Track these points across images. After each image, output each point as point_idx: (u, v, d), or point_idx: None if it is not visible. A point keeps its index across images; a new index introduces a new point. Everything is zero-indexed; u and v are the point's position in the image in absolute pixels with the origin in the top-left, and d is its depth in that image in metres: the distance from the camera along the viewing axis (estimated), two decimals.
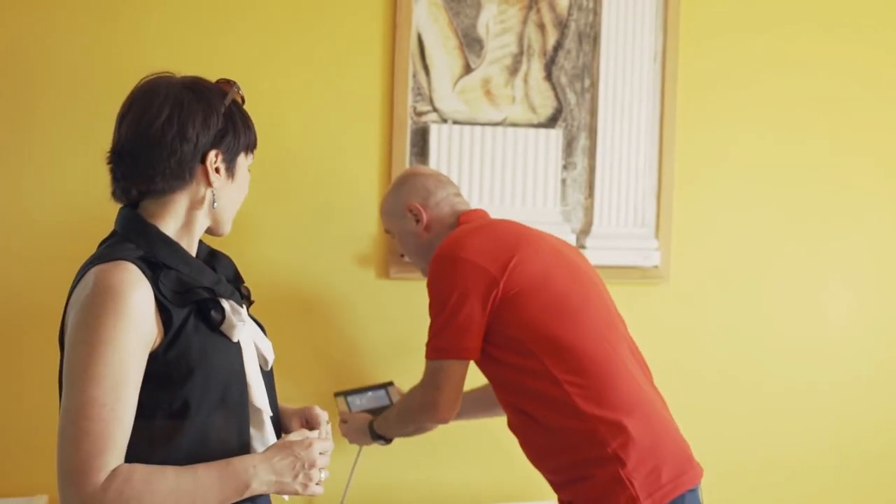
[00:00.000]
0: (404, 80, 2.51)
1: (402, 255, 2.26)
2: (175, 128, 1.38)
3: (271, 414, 1.45)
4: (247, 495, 1.32)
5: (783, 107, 2.79)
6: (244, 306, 1.48)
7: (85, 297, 1.29)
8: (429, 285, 2.05)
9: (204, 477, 1.29)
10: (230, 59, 2.40)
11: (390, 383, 2.46)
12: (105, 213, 2.34)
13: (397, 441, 2.59)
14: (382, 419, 2.22)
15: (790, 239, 2.82)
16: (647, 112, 2.67)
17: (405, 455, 2.58)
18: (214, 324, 1.36)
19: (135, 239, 1.37)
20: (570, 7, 2.61)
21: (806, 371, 2.85)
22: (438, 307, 2.01)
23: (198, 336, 1.34)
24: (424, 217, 2.18)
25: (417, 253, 2.23)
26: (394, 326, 2.55)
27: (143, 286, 1.30)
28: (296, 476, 1.34)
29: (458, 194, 2.24)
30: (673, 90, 2.68)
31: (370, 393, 2.41)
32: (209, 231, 1.49)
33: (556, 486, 2.05)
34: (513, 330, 1.95)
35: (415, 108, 2.53)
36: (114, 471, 1.24)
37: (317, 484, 1.36)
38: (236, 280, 1.53)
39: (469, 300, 1.95)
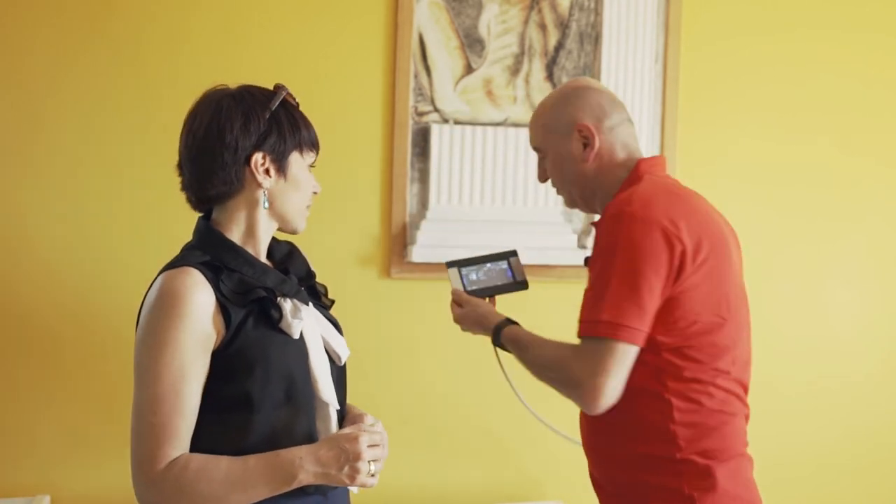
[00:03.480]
0: (406, 80, 2.51)
1: (543, 180, 1.87)
2: (214, 135, 1.45)
3: (338, 408, 1.51)
4: (294, 486, 1.38)
5: (784, 108, 2.79)
6: (310, 304, 1.54)
7: (151, 302, 1.39)
8: (613, 243, 1.65)
9: (253, 467, 1.36)
10: (231, 60, 2.40)
11: (513, 253, 2.05)
12: (117, 215, 2.36)
13: (396, 441, 2.58)
14: (517, 343, 1.80)
15: (792, 239, 2.83)
16: (649, 113, 2.67)
17: (405, 455, 2.58)
18: (274, 321, 1.43)
19: (203, 246, 1.47)
20: (572, 7, 2.61)
21: (808, 371, 2.85)
22: (623, 274, 1.62)
23: (257, 333, 1.41)
24: (596, 143, 1.76)
25: (574, 182, 1.81)
26: (395, 326, 2.55)
27: (204, 289, 1.38)
28: (341, 468, 1.38)
29: (631, 122, 1.85)
30: (674, 91, 2.68)
31: (489, 265, 2.01)
32: (282, 229, 1.55)
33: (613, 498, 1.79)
34: (655, 332, 1.66)
35: (416, 109, 2.53)
36: (174, 460, 1.35)
37: (371, 476, 1.41)
38: (308, 278, 1.60)
39: (660, 281, 1.61)
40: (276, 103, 1.48)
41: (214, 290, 1.39)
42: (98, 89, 2.36)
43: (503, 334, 1.83)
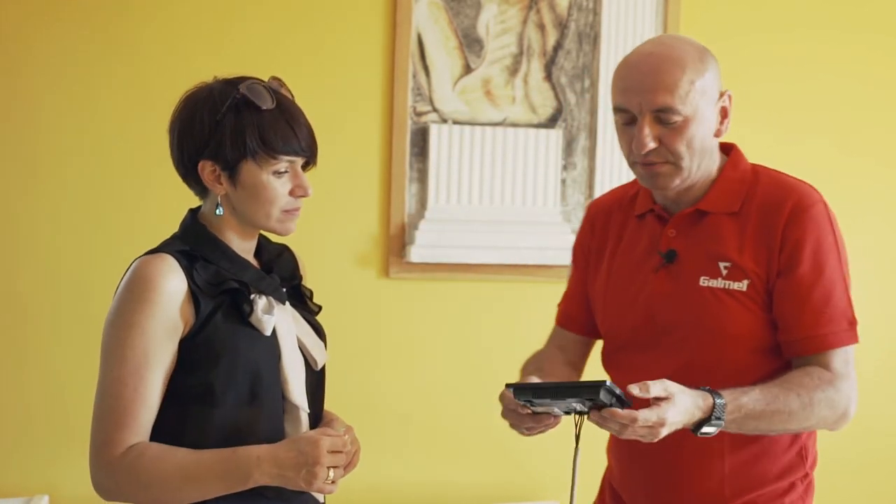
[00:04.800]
0: (404, 80, 2.51)
1: (648, 149, 1.47)
2: (171, 135, 1.44)
3: (309, 411, 1.47)
4: (250, 485, 1.34)
5: (782, 108, 2.79)
6: (287, 303, 1.49)
7: (122, 285, 1.38)
8: (832, 240, 1.49)
9: (209, 461, 1.33)
10: (229, 59, 2.40)
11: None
12: (101, 210, 2.36)
13: (397, 441, 2.59)
14: (752, 406, 1.41)
15: None
16: None
17: (405, 455, 2.58)
18: (244, 315, 1.40)
19: (184, 236, 1.45)
20: (570, 7, 2.61)
21: None
22: (845, 272, 1.50)
23: (227, 325, 1.38)
24: (729, 116, 1.57)
25: (703, 156, 1.53)
26: (394, 326, 2.55)
27: (176, 276, 1.36)
28: (298, 471, 1.33)
29: None
30: None
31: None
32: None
33: None
34: None
35: (415, 109, 2.53)
36: (131, 446, 1.33)
37: (331, 483, 1.35)
38: (291, 279, 1.55)
39: None
40: (224, 107, 1.38)
41: (187, 279, 1.36)
42: (94, 87, 2.37)
43: (729, 407, 1.39)
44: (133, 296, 1.34)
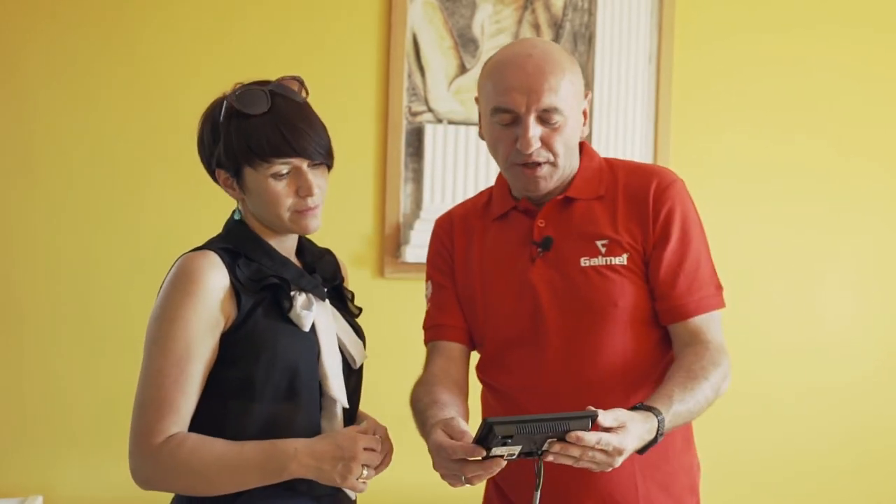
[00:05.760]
0: (399, 80, 2.51)
1: (532, 149, 1.50)
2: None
3: (346, 406, 1.49)
4: (286, 477, 1.35)
5: (778, 107, 2.79)
6: (327, 301, 1.51)
7: (167, 281, 1.41)
8: (694, 212, 1.57)
9: (248, 452, 1.36)
10: (226, 59, 2.41)
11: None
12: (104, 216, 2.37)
13: (393, 441, 2.57)
14: (681, 412, 1.43)
15: (786, 239, 2.82)
16: (642, 112, 2.67)
17: (402, 455, 2.56)
18: (284, 311, 1.43)
19: (227, 235, 1.49)
20: (566, 7, 2.62)
21: (804, 372, 2.83)
22: (700, 240, 1.57)
23: (267, 321, 1.41)
24: (588, 117, 1.60)
25: (573, 152, 1.56)
26: (390, 326, 2.55)
27: (219, 271, 1.39)
28: (335, 465, 1.36)
29: None
30: (668, 91, 2.68)
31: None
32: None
33: None
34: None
35: (410, 109, 2.54)
36: (172, 436, 1.36)
37: (363, 481, 1.39)
38: (332, 279, 1.57)
39: None
40: (221, 116, 1.42)
41: (230, 274, 1.40)
42: (93, 86, 2.38)
43: (667, 421, 1.39)
44: (177, 290, 1.37)
